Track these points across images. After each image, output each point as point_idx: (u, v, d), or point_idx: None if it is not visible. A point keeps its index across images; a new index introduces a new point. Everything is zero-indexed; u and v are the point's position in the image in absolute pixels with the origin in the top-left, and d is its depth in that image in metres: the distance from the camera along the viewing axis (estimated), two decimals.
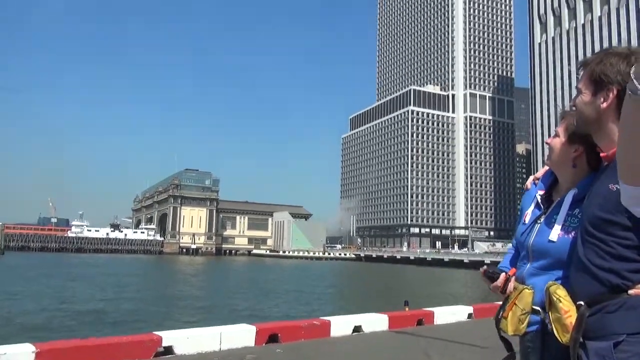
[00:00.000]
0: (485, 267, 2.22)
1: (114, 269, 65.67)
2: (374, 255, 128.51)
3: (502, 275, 2.13)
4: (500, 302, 2.12)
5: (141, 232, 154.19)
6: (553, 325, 1.77)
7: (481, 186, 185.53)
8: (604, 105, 1.73)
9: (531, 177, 2.38)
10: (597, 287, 1.64)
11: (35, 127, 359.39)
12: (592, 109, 1.79)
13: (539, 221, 2.10)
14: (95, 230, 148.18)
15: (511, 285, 2.09)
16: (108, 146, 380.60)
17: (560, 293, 1.78)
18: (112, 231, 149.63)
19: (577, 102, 1.89)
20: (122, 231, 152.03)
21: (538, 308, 1.94)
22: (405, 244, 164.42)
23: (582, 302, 1.68)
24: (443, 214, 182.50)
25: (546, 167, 2.27)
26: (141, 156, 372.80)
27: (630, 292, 1.56)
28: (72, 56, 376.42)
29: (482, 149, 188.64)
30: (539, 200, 2.16)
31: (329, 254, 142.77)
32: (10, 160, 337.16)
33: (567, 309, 1.74)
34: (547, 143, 2.20)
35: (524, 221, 2.19)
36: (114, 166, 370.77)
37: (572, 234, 1.91)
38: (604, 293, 1.62)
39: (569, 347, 1.68)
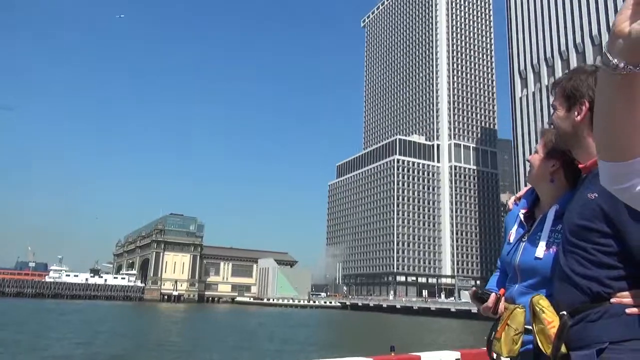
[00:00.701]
0: (474, 288, 2.20)
1: (87, 316, 63.44)
2: (360, 304, 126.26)
3: (493, 295, 2.09)
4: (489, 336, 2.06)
5: (122, 278, 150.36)
6: (537, 337, 1.76)
7: (467, 235, 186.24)
8: (579, 118, 1.80)
9: (512, 197, 2.40)
10: (578, 295, 1.64)
11: (16, 168, 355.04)
12: (568, 124, 1.86)
13: (523, 239, 2.10)
14: (74, 275, 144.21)
15: (502, 305, 2.06)
16: (91, 189, 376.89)
17: (543, 304, 1.78)
18: (91, 276, 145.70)
19: (553, 119, 1.95)
20: (102, 277, 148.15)
21: (530, 327, 1.89)
22: (392, 292, 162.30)
23: (564, 312, 1.68)
24: (429, 262, 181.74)
25: (527, 187, 2.31)
26: (125, 200, 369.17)
27: (612, 300, 1.55)
28: (54, 103, 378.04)
29: (467, 198, 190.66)
30: (522, 219, 2.17)
31: (314, 302, 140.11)
32: None
33: (551, 320, 1.73)
34: (528, 160, 2.24)
35: (509, 240, 2.19)
36: (96, 210, 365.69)
37: (556, 249, 1.91)
38: (585, 302, 1.61)
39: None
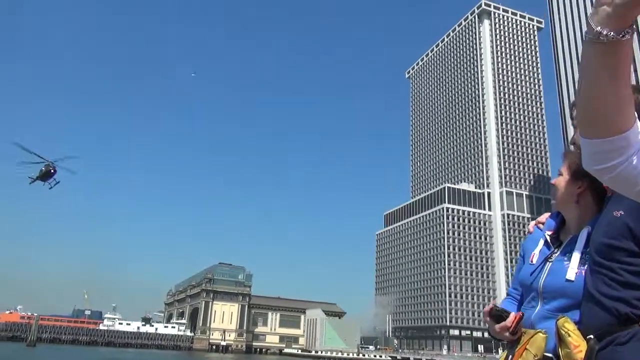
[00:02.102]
0: (491, 305, 2.10)
1: None
2: (411, 358, 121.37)
3: (512, 314, 1.98)
4: None
5: (172, 327, 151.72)
6: None
7: None
8: None
9: (533, 222, 2.36)
10: (606, 317, 1.58)
11: (72, 219, 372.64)
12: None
13: (550, 260, 2.03)
14: (127, 324, 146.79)
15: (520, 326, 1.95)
16: (145, 239, 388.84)
17: (569, 327, 1.71)
18: (143, 325, 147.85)
19: (575, 139, 1.91)
20: (153, 325, 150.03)
21: (551, 355, 1.80)
22: (445, 347, 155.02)
23: (591, 336, 1.61)
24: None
25: (547, 214, 2.28)
26: (177, 250, 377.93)
27: None
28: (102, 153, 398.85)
29: None
30: (549, 240, 2.10)
31: (364, 354, 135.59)
32: (48, 251, 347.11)
33: (577, 344, 1.66)
34: (552, 184, 2.23)
35: (531, 262, 2.11)
36: (150, 259, 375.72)
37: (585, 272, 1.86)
38: (613, 324, 1.55)
39: None
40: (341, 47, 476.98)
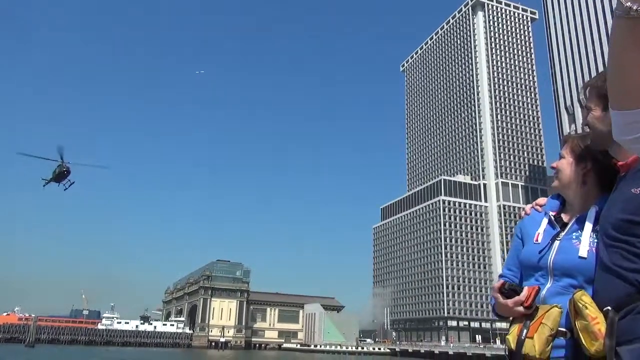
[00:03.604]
0: (501, 280, 2.10)
1: None
2: (410, 350, 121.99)
3: (526, 288, 1.98)
4: None
5: (170, 325, 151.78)
6: (580, 335, 1.70)
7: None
8: None
9: (529, 206, 2.43)
10: (625, 288, 1.61)
11: (67, 218, 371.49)
12: (604, 124, 1.86)
13: (558, 239, 2.07)
14: (125, 323, 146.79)
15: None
16: (141, 237, 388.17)
17: (586, 300, 1.74)
18: (141, 323, 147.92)
19: (589, 120, 1.97)
20: (151, 323, 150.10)
21: (565, 330, 1.84)
22: (443, 337, 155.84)
23: (609, 308, 1.64)
24: (482, 306, 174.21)
25: (544, 198, 2.37)
26: (174, 247, 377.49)
27: None
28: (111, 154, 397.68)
29: None
30: (554, 220, 2.16)
31: (363, 348, 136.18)
32: (44, 251, 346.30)
33: (595, 316, 1.68)
34: (553, 167, 2.30)
35: (536, 241, 2.15)
36: (147, 257, 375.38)
37: (596, 248, 1.90)
38: (631, 294, 1.59)
39: (599, 357, 1.62)
40: (334, 42, 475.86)
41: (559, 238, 2.07)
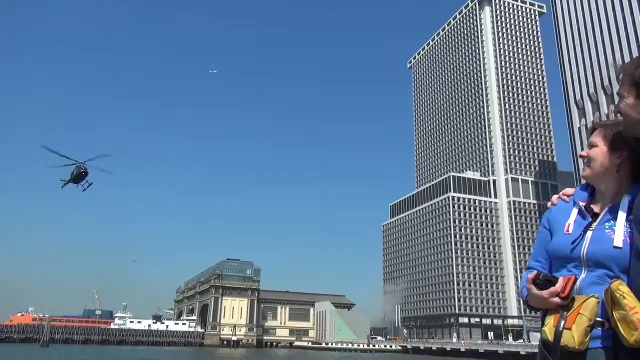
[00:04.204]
0: (534, 271, 2.07)
1: None
2: (421, 347, 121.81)
3: (561, 279, 1.95)
4: None
5: (182, 324, 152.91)
6: (619, 325, 1.68)
7: (521, 277, 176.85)
8: None
9: (555, 196, 2.38)
10: None
11: (77, 219, 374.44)
12: (637, 111, 1.86)
13: (590, 229, 2.05)
14: (138, 322, 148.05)
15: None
16: (151, 237, 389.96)
17: (624, 289, 1.72)
18: (154, 322, 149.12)
19: (621, 107, 1.93)
20: (163, 322, 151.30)
21: (602, 320, 1.82)
22: (455, 334, 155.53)
23: None
24: (493, 303, 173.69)
25: (571, 188, 2.33)
26: (184, 246, 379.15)
27: None
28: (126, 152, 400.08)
29: (529, 233, 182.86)
30: (584, 210, 2.12)
31: (374, 345, 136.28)
32: (58, 252, 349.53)
33: (633, 305, 1.66)
34: (582, 156, 2.23)
35: (567, 231, 2.12)
36: (157, 257, 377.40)
37: (630, 238, 1.90)
38: None
39: (639, 347, 1.61)
40: (339, 42, 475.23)
41: (591, 228, 2.04)
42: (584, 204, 2.15)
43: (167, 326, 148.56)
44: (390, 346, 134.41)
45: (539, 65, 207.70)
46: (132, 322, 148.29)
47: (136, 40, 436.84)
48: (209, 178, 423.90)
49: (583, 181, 2.27)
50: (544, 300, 1.95)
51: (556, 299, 1.91)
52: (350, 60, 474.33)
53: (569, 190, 2.32)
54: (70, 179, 34.19)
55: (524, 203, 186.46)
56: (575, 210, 2.15)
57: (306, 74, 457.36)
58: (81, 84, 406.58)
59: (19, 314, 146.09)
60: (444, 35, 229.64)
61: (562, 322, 1.85)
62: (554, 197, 2.37)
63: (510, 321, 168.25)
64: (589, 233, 2.03)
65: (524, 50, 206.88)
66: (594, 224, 2.05)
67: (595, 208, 2.12)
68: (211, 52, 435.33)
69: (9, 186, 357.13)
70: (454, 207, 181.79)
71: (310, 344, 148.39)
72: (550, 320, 1.91)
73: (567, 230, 2.11)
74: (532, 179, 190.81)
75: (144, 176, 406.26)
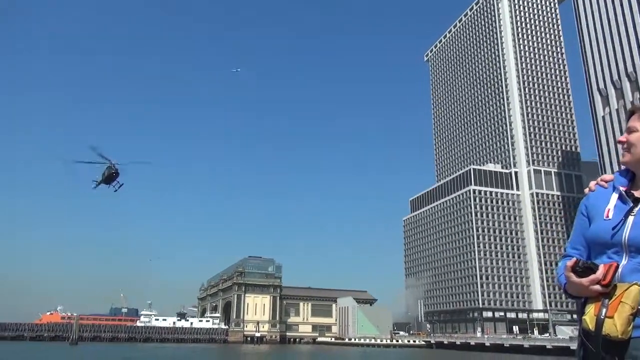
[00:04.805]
0: (574, 259, 2.01)
1: None
2: (445, 342, 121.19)
3: (602, 266, 1.90)
4: None
5: (206, 321, 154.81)
6: None
7: (557, 265, 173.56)
8: None
9: (593, 182, 2.35)
10: None
11: (102, 218, 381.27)
12: None
13: (632, 214, 2.01)
14: (163, 320, 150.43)
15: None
16: (176, 235, 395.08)
17: None
18: (178, 320, 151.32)
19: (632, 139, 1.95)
20: (188, 320, 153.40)
21: None
22: (479, 329, 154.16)
23: None
24: (517, 297, 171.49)
25: (610, 174, 2.28)
26: (208, 244, 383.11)
27: None
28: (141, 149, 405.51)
29: (554, 226, 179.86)
30: (625, 195, 2.08)
31: (397, 340, 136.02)
32: (87, 253, 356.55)
33: None
34: (621, 141, 2.18)
35: (607, 217, 2.08)
36: (183, 255, 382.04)
37: None
38: None
39: None
40: (355, 32, 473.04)
41: (633, 213, 2.00)
42: (624, 189, 2.10)
43: (192, 323, 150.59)
44: (414, 341, 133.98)
45: (559, 54, 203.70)
46: (157, 319, 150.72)
47: (138, 40, 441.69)
48: (227, 178, 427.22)
49: (622, 167, 2.23)
50: (584, 289, 1.89)
51: (597, 287, 1.85)
52: (365, 54, 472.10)
53: (607, 177, 2.27)
54: (102, 180, 34.48)
55: (548, 195, 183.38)
56: (615, 196, 2.10)
57: (320, 71, 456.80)
58: (105, 87, 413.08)
59: (48, 313, 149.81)
60: (461, 27, 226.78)
61: (604, 310, 1.80)
62: (592, 184, 2.33)
63: (535, 315, 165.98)
64: (631, 218, 1.98)
65: (543, 39, 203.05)
66: (636, 209, 2.00)
67: (637, 193, 2.07)
68: (250, 54, 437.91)
69: (38, 190, 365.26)
70: (475, 200, 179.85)
71: (333, 339, 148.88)
72: (591, 309, 1.85)
73: (607, 216, 2.06)
74: (555, 170, 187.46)
75: (167, 176, 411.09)
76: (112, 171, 34.26)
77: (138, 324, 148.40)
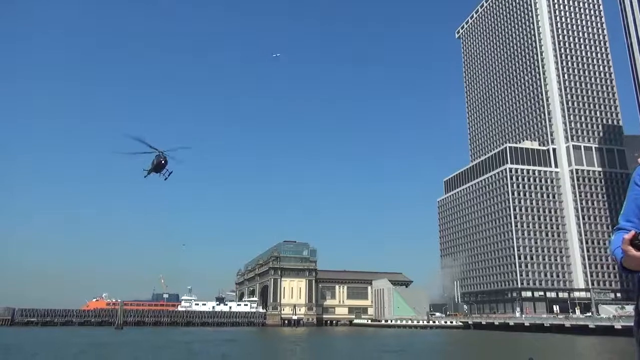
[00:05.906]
0: (633, 231, 1.88)
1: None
2: (483, 323, 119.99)
3: None
4: None
5: (244, 305, 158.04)
6: None
7: (599, 243, 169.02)
8: None
9: None
10: None
11: (148, 210, 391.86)
12: None
13: None
14: (203, 304, 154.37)
15: None
16: (214, 222, 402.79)
17: None
18: (217, 304, 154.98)
19: None
20: (226, 304, 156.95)
21: None
22: (518, 309, 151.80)
23: None
24: (558, 276, 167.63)
25: None
26: (245, 230, 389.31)
27: None
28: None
29: (595, 202, 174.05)
30: None
31: (434, 322, 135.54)
32: (129, 240, 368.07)
33: None
34: None
35: None
36: (219, 240, 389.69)
37: None
38: None
39: None
40: (383, 18, 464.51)
41: None
42: None
43: (230, 307, 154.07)
44: (451, 322, 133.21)
45: (599, 23, 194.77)
46: (197, 304, 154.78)
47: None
48: (259, 166, 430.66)
49: None
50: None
51: None
52: (394, 32, 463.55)
53: None
54: (152, 169, 34.87)
55: (588, 171, 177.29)
56: None
57: (348, 53, 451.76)
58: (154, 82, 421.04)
59: (94, 299, 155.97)
60: (494, 0, 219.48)
61: None
62: None
63: (577, 294, 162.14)
64: None
65: (581, 9, 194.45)
66: None
67: None
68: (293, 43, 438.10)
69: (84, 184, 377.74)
70: (512, 179, 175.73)
71: (369, 321, 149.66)
72: None
73: None
74: (596, 146, 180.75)
75: (205, 167, 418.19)
76: (160, 159, 34.35)
77: (179, 308, 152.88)
